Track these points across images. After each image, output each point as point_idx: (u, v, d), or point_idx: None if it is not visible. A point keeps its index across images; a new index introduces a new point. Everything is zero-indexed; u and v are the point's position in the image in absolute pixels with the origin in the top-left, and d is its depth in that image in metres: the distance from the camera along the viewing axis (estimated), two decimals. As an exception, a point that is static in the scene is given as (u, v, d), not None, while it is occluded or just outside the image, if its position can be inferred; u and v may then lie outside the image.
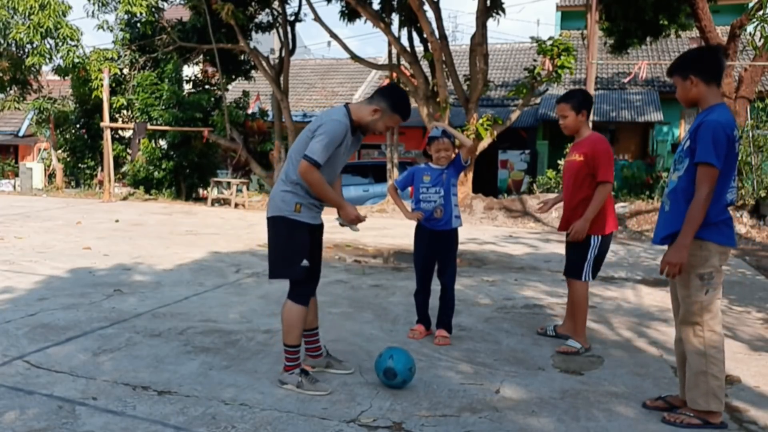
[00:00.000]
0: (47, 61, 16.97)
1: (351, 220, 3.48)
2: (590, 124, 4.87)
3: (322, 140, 3.23)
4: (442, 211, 4.32)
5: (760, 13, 12.14)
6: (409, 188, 4.55)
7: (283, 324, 3.43)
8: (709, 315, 3.04)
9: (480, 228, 11.46)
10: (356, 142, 3.51)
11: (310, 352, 3.74)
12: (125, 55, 17.38)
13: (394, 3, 14.86)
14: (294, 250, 3.37)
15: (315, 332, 3.74)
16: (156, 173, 16.51)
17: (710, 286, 3.03)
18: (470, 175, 13.90)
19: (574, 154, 4.27)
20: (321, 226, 3.59)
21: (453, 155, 4.39)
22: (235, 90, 20.23)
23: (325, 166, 3.30)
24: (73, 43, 16.86)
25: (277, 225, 3.42)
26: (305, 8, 16.16)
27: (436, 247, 4.39)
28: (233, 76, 18.36)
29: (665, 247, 3.14)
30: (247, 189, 16.08)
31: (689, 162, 3.02)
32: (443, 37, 13.52)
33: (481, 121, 13.17)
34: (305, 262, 3.37)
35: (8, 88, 18.80)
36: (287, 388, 3.39)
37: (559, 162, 14.61)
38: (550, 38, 13.12)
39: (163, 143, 16.79)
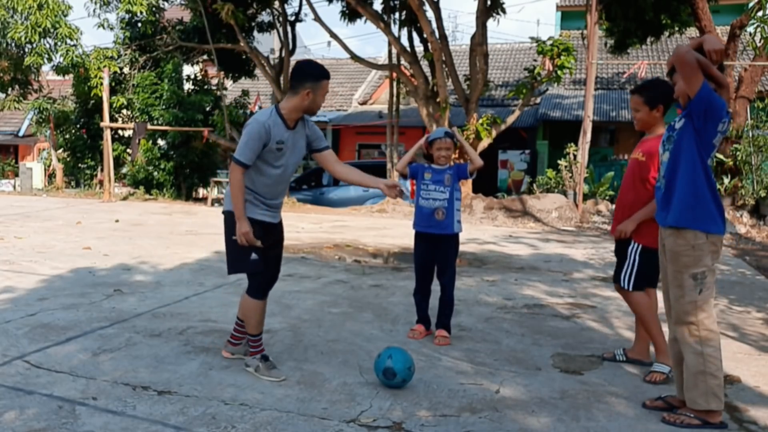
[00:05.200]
0: (46, 60, 16.97)
1: (241, 234, 3.45)
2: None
3: (242, 139, 3.47)
4: (444, 213, 4.29)
5: (760, 14, 12.15)
6: (410, 186, 4.53)
7: (243, 315, 3.71)
8: (704, 314, 3.05)
9: (480, 228, 11.46)
10: (300, 137, 3.64)
11: (232, 339, 3.89)
12: (125, 55, 17.38)
13: (395, 3, 14.86)
14: (242, 245, 3.51)
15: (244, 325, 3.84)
16: (156, 173, 16.51)
17: (703, 286, 3.04)
18: (470, 175, 13.88)
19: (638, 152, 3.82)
20: (274, 225, 3.66)
21: (455, 155, 4.38)
22: (235, 89, 20.21)
23: (267, 167, 3.50)
24: (72, 43, 16.87)
25: (227, 220, 3.62)
26: (305, 8, 16.17)
27: (435, 251, 4.38)
28: (234, 75, 18.34)
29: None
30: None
31: (684, 129, 3.07)
32: (443, 37, 13.52)
33: (481, 121, 13.18)
34: (254, 256, 3.53)
35: (8, 88, 18.80)
36: (248, 370, 3.62)
37: (559, 162, 14.55)
38: (550, 38, 13.14)
39: (163, 143, 16.79)
